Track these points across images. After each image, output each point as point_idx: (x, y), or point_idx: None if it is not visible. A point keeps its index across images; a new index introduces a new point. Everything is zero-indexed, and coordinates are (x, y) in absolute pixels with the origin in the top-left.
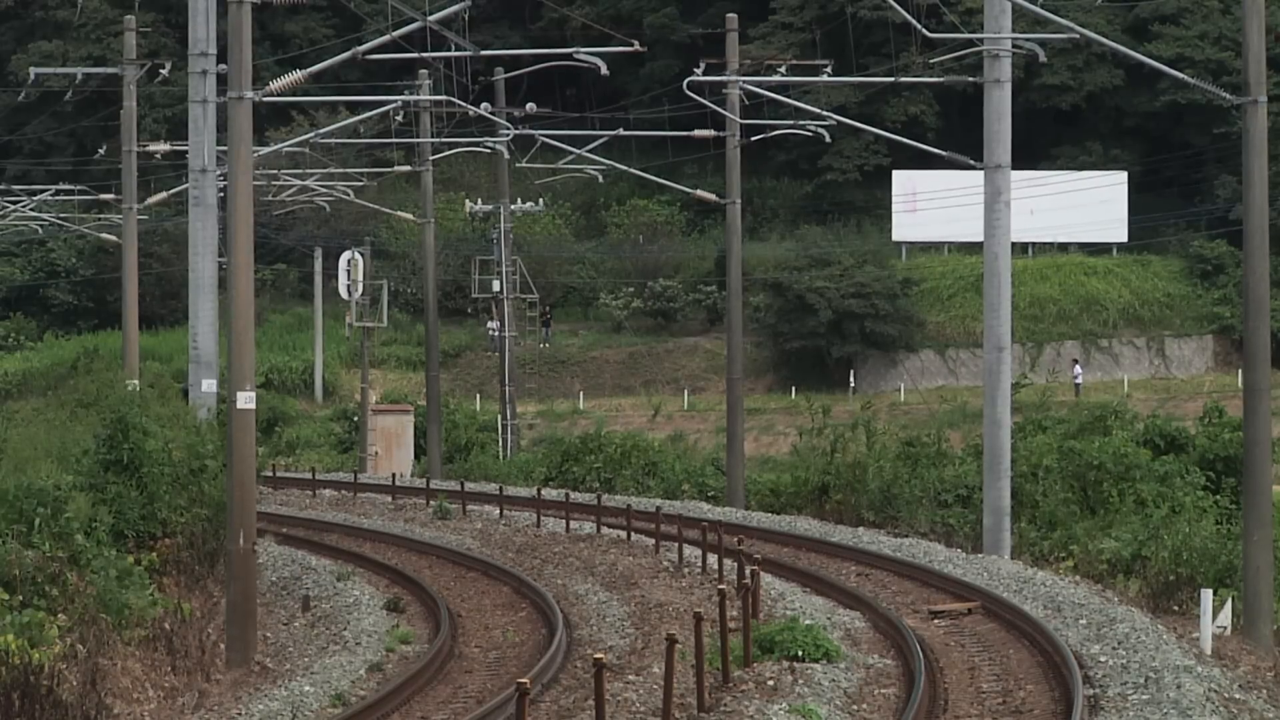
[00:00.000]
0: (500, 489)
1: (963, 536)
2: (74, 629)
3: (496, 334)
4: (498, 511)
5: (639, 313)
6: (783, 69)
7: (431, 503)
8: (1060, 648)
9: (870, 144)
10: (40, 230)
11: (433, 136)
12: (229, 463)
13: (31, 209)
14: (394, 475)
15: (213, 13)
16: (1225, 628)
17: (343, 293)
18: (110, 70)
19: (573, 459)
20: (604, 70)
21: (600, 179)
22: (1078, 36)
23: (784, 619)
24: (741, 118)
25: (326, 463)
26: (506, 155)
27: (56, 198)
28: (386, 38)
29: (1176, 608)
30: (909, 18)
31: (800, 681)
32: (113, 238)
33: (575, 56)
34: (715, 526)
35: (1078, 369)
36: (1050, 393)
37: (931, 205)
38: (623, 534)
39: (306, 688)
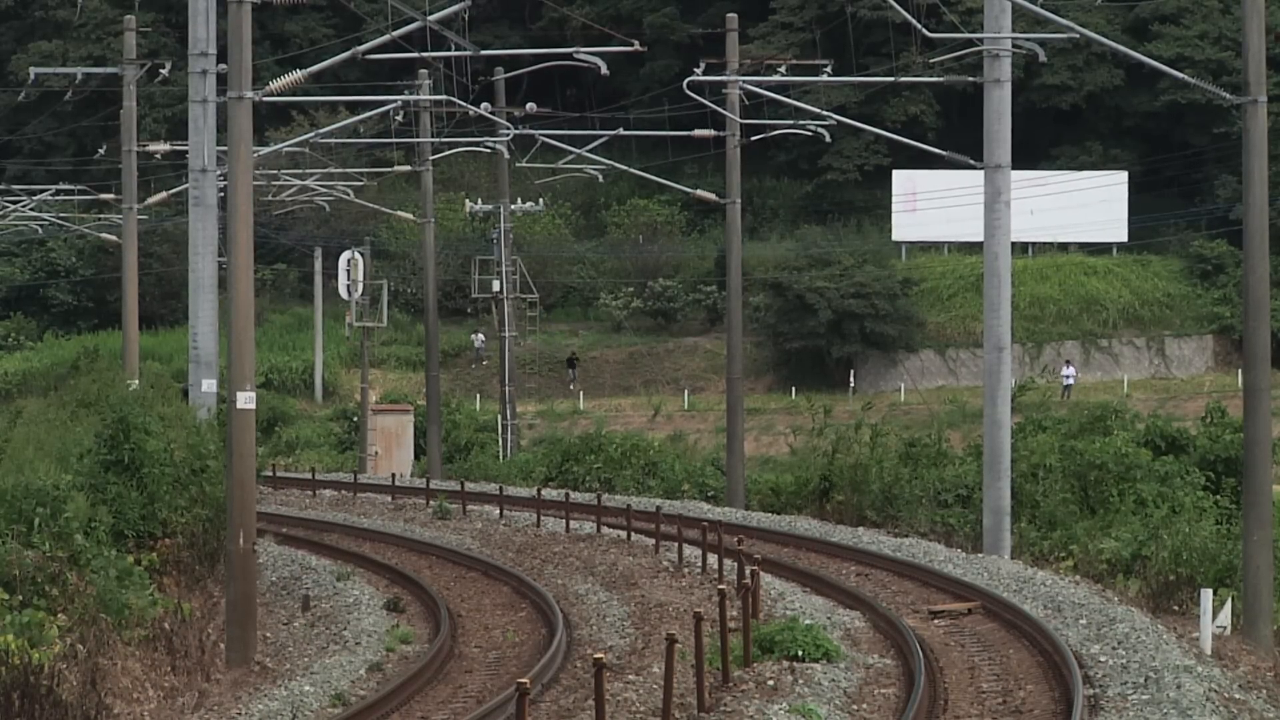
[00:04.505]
0: (500, 489)
1: (963, 536)
2: (74, 629)
3: (483, 345)
4: (498, 511)
5: (639, 313)
6: (783, 69)
7: (431, 503)
8: (1060, 648)
9: (870, 144)
10: (40, 230)
11: (433, 136)
12: (229, 463)
13: (31, 209)
14: (394, 475)
15: (213, 13)
16: (1225, 628)
17: (343, 293)
18: (110, 70)
19: (573, 459)
20: (604, 70)
21: (600, 179)
22: (1078, 36)
23: (784, 619)
24: (741, 117)
25: (326, 463)
26: (506, 155)
27: (56, 198)
28: (386, 38)
29: (1176, 608)
30: (909, 18)
31: (800, 681)
32: (113, 238)
33: (575, 56)
34: (715, 526)
35: (1068, 369)
36: (1050, 393)
37: (931, 205)
38: (623, 534)
39: (306, 687)
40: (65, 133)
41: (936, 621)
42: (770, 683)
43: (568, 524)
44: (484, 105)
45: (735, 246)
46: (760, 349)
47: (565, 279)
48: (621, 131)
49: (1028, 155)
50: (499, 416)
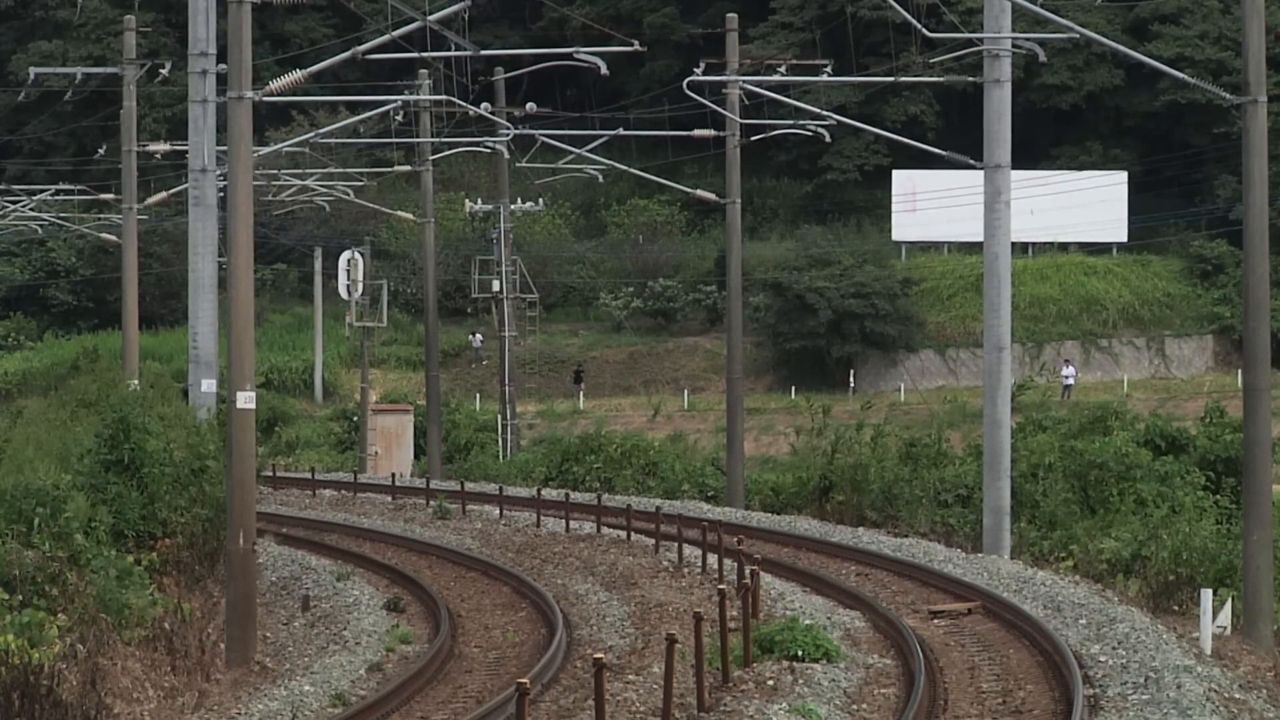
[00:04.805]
0: (500, 489)
1: (963, 536)
2: (74, 629)
3: (481, 345)
4: (498, 511)
5: (639, 313)
6: (783, 69)
7: (431, 503)
8: (1060, 648)
9: (870, 144)
10: (40, 230)
11: (433, 136)
12: (229, 463)
13: (31, 209)
14: (394, 475)
15: (213, 13)
16: (1225, 628)
17: (343, 293)
18: (110, 70)
19: (573, 459)
20: (604, 70)
21: (600, 179)
22: (1078, 36)
23: (784, 619)
24: (741, 117)
25: (326, 463)
26: (506, 155)
27: (56, 198)
28: (386, 38)
29: (1176, 608)
30: (909, 17)
31: (800, 681)
32: (113, 238)
33: (575, 56)
34: (715, 526)
35: (1068, 369)
36: (1050, 392)
37: (931, 205)
38: (623, 534)
39: (306, 687)
40: (65, 133)
41: (936, 621)
42: (770, 683)
43: (568, 524)
44: (484, 105)
45: (735, 246)
46: (760, 349)
47: (565, 279)
48: (621, 131)
49: (1028, 155)
50: (499, 416)
